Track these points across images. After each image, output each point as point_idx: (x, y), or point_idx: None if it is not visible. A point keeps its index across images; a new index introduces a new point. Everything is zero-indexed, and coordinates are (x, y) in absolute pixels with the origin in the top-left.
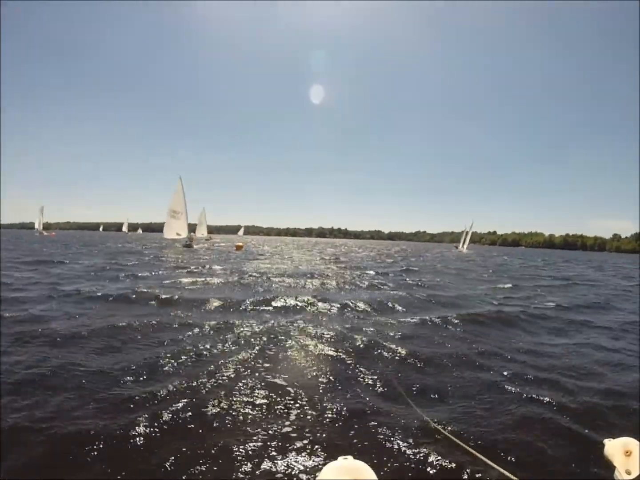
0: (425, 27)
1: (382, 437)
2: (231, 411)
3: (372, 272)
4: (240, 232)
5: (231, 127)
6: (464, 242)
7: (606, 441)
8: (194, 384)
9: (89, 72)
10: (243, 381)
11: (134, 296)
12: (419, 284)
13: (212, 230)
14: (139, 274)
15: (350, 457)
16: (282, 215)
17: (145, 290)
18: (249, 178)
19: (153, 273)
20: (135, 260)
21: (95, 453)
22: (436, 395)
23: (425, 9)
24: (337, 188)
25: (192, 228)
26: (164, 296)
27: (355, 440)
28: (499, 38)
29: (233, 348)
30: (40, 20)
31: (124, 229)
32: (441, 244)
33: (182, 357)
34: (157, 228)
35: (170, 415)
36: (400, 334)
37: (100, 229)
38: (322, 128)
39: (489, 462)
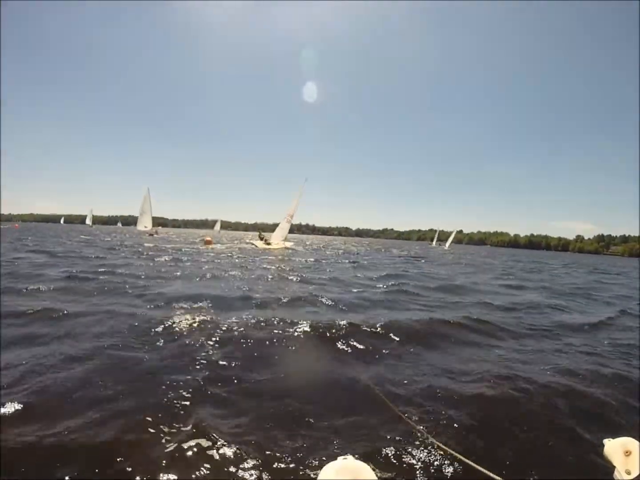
0: (418, 23)
1: (381, 437)
2: (228, 411)
3: None
4: (217, 227)
5: (199, 121)
6: (438, 240)
7: (606, 441)
8: (187, 383)
9: (68, 60)
10: (240, 381)
11: None
12: None
13: (179, 224)
14: None
15: (350, 457)
16: (252, 209)
17: None
18: (218, 172)
19: None
20: None
21: None
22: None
23: (420, 5)
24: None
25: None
26: None
27: (355, 441)
28: (490, 35)
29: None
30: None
31: (88, 221)
32: (409, 241)
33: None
34: (133, 222)
35: (163, 416)
36: None
37: (62, 221)
38: (301, 126)
39: (483, 469)
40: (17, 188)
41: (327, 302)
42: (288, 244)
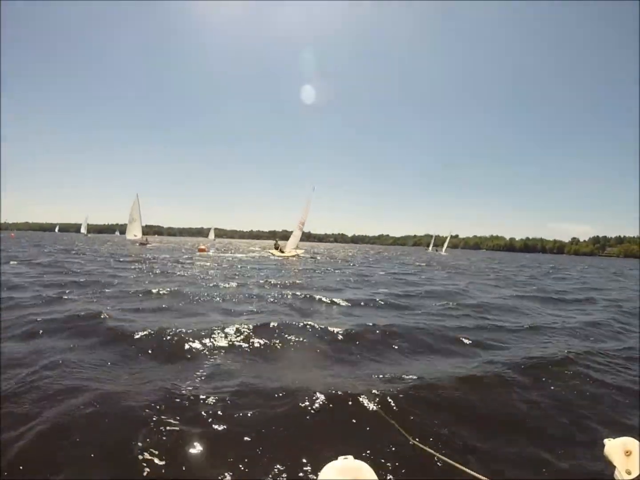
0: (419, 22)
1: (382, 437)
2: (228, 411)
3: None
4: (211, 235)
5: (200, 126)
6: (434, 245)
7: (606, 441)
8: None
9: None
10: (239, 381)
11: None
12: None
13: (174, 232)
14: None
15: (350, 457)
16: (247, 217)
17: None
18: (213, 178)
19: None
20: None
21: None
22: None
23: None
24: (301, 191)
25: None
26: None
27: (355, 440)
28: (497, 40)
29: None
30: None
31: (83, 230)
32: (405, 246)
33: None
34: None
35: (162, 416)
36: None
37: (56, 229)
38: (299, 129)
39: (478, 475)
40: (12, 196)
41: (338, 339)
42: (300, 252)
